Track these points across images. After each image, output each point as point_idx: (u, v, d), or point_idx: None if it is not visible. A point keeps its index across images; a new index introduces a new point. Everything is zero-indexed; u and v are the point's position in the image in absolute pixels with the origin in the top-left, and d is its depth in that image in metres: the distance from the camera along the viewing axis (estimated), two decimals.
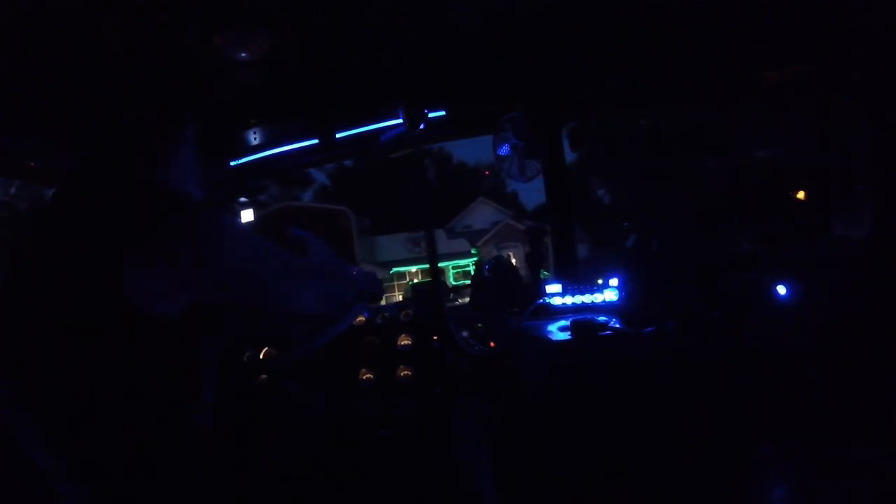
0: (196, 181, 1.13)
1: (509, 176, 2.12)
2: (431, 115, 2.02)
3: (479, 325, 1.95)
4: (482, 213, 31.44)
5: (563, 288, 1.96)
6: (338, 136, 2.17)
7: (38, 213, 1.01)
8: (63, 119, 1.02)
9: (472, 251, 22.65)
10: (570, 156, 2.20)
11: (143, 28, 1.50)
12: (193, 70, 1.15)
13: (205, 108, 2.12)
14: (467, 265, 23.92)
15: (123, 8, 1.42)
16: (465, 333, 1.90)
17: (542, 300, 1.96)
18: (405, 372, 1.86)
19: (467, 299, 2.37)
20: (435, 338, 1.88)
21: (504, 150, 2.08)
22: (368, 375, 1.89)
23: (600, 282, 1.97)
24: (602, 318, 1.75)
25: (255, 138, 2.33)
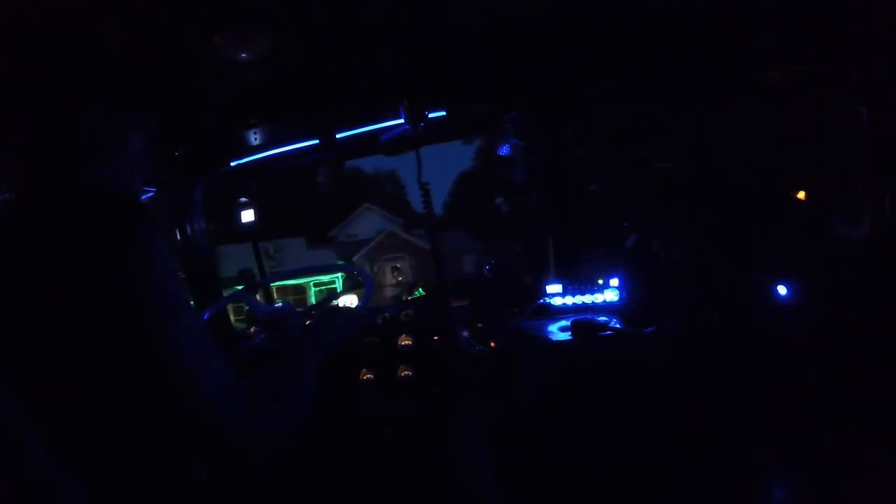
0: (140, 173, 1.05)
1: (511, 176, 2.12)
2: (432, 115, 2.03)
3: (479, 325, 1.95)
4: (368, 221, 27.86)
5: (563, 288, 1.96)
6: (338, 136, 2.17)
7: None
8: (63, 119, 1.01)
9: (338, 263, 19.08)
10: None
11: (143, 28, 1.50)
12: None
13: (204, 108, 2.13)
14: (331, 281, 20.01)
15: (123, 8, 1.42)
16: (465, 333, 1.90)
17: (542, 300, 1.96)
18: (405, 372, 1.86)
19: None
20: (435, 338, 1.88)
21: (504, 150, 2.08)
22: (368, 375, 1.90)
23: (600, 282, 1.97)
24: (602, 318, 1.75)
25: (255, 138, 2.33)
